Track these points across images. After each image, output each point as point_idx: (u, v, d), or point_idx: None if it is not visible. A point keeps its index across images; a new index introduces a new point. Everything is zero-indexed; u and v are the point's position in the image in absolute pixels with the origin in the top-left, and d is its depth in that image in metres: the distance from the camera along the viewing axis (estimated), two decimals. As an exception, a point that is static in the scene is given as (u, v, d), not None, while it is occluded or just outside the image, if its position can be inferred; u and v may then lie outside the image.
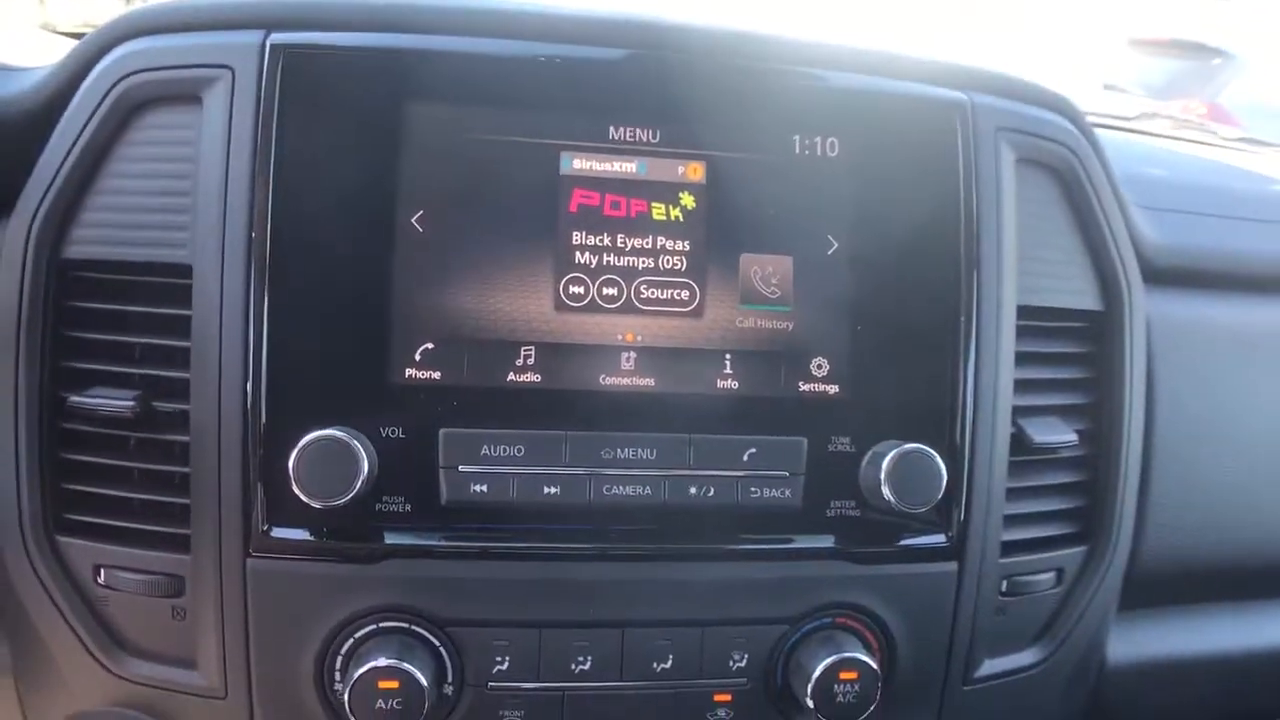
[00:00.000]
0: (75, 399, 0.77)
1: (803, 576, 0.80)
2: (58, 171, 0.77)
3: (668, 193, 0.79)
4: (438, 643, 0.76)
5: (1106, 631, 0.96)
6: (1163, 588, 1.02)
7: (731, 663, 0.79)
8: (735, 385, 0.79)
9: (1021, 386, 0.87)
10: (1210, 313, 1.05)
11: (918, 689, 0.84)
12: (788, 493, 0.79)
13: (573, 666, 0.77)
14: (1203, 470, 1.01)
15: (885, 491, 0.77)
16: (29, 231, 0.77)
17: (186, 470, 0.76)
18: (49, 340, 0.78)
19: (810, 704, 0.77)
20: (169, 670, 0.78)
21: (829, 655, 0.77)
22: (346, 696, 0.72)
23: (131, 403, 0.75)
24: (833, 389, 0.81)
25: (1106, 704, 0.99)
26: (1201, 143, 1.59)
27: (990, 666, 0.88)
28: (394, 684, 0.72)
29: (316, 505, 0.71)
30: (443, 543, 0.76)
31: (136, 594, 0.77)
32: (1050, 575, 0.90)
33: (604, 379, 0.78)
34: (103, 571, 0.78)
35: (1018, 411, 0.87)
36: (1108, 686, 0.99)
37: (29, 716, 0.83)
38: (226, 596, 0.75)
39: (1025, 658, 0.90)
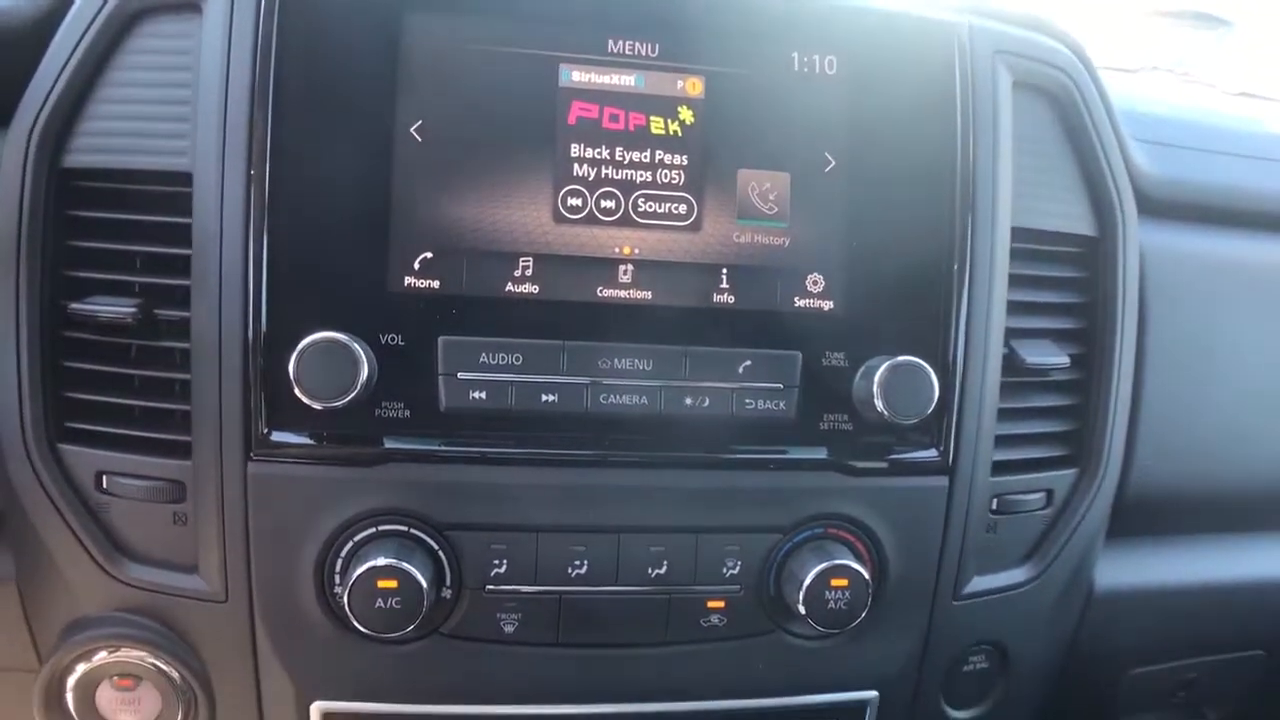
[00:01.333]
0: (76, 306, 0.77)
1: (795, 487, 0.81)
2: (56, 81, 0.77)
3: (666, 107, 0.80)
4: (436, 546, 0.77)
5: (1095, 556, 0.97)
6: (1151, 517, 1.03)
7: (725, 570, 0.80)
8: (731, 300, 0.80)
9: (1015, 309, 0.88)
10: (1204, 246, 1.06)
11: (907, 601, 0.86)
12: (781, 405, 0.80)
13: (569, 570, 0.78)
14: (1192, 400, 1.02)
15: (878, 403, 0.78)
16: (28, 141, 0.77)
17: (187, 377, 0.77)
18: (50, 250, 0.78)
19: (802, 610, 0.78)
20: (170, 575, 0.79)
21: (820, 563, 0.78)
22: (346, 597, 0.74)
23: (133, 309, 0.76)
24: (827, 305, 0.81)
25: (1093, 628, 1.01)
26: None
27: (979, 583, 0.89)
28: (393, 583, 0.73)
29: (317, 406, 0.72)
30: (442, 447, 0.76)
31: (137, 500, 0.78)
32: (1040, 496, 0.92)
33: (601, 291, 0.78)
34: (104, 478, 0.79)
35: (1010, 333, 0.88)
36: (1094, 612, 1.00)
37: (32, 623, 0.85)
38: (227, 501, 0.76)
39: (1014, 576, 0.91)
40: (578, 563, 0.78)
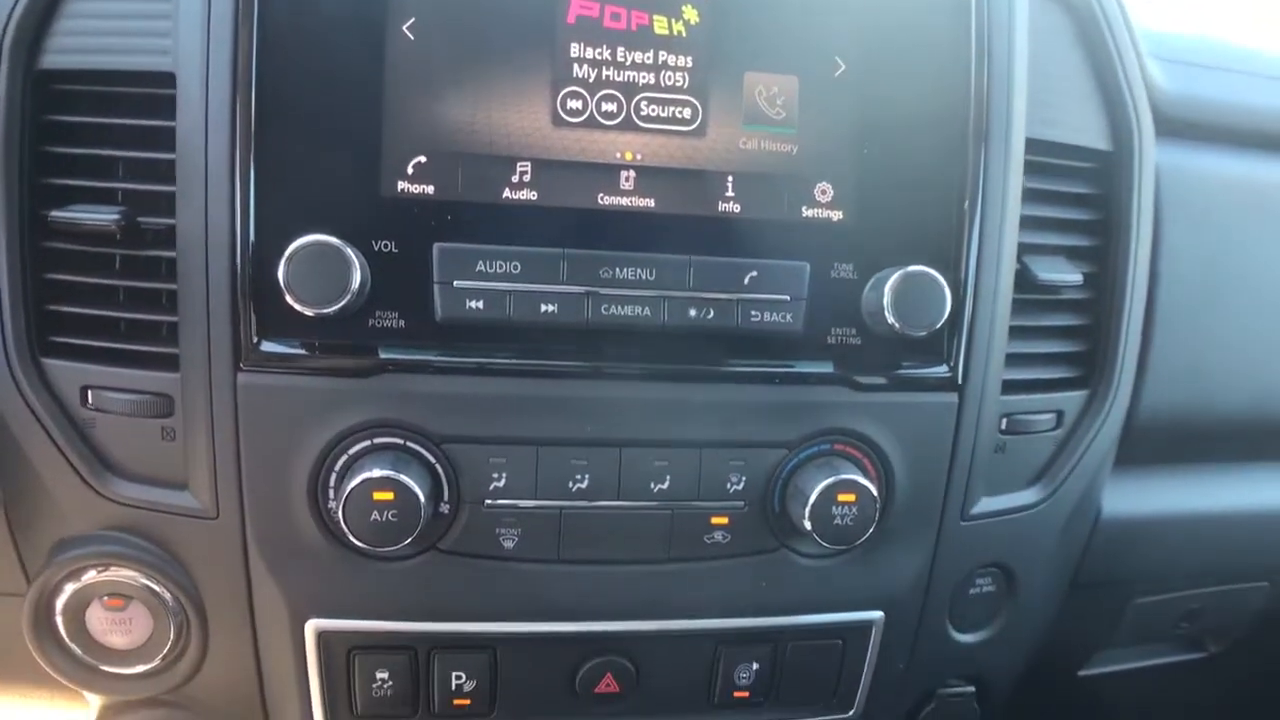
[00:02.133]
0: (58, 214, 0.74)
1: (802, 401, 0.79)
2: None
3: (669, 5, 0.76)
4: (433, 459, 0.75)
5: (1103, 481, 0.96)
6: (1159, 444, 1.01)
7: (729, 485, 0.78)
8: (737, 208, 0.77)
9: (1027, 224, 0.85)
10: (1222, 167, 1.03)
11: (914, 520, 0.84)
12: (788, 317, 0.77)
13: (570, 485, 0.76)
14: (1205, 325, 1.00)
15: (888, 315, 0.76)
16: (1, 40, 0.74)
17: (173, 287, 0.74)
18: (28, 156, 0.75)
19: (808, 526, 0.77)
20: (159, 492, 0.77)
21: (827, 478, 0.76)
22: (340, 510, 0.72)
23: (116, 216, 0.73)
24: (836, 215, 0.79)
25: (1099, 556, 0.99)
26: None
27: (987, 504, 0.87)
28: (389, 495, 0.71)
29: (308, 314, 0.69)
30: (438, 358, 0.74)
31: (124, 415, 0.76)
32: (1050, 417, 0.90)
33: (602, 198, 0.76)
34: (90, 393, 0.76)
35: (1023, 249, 0.85)
36: (1100, 539, 0.99)
37: (19, 544, 0.83)
38: (217, 414, 0.74)
39: (1022, 498, 0.89)
40: (579, 477, 0.76)
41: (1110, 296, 0.92)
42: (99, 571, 0.79)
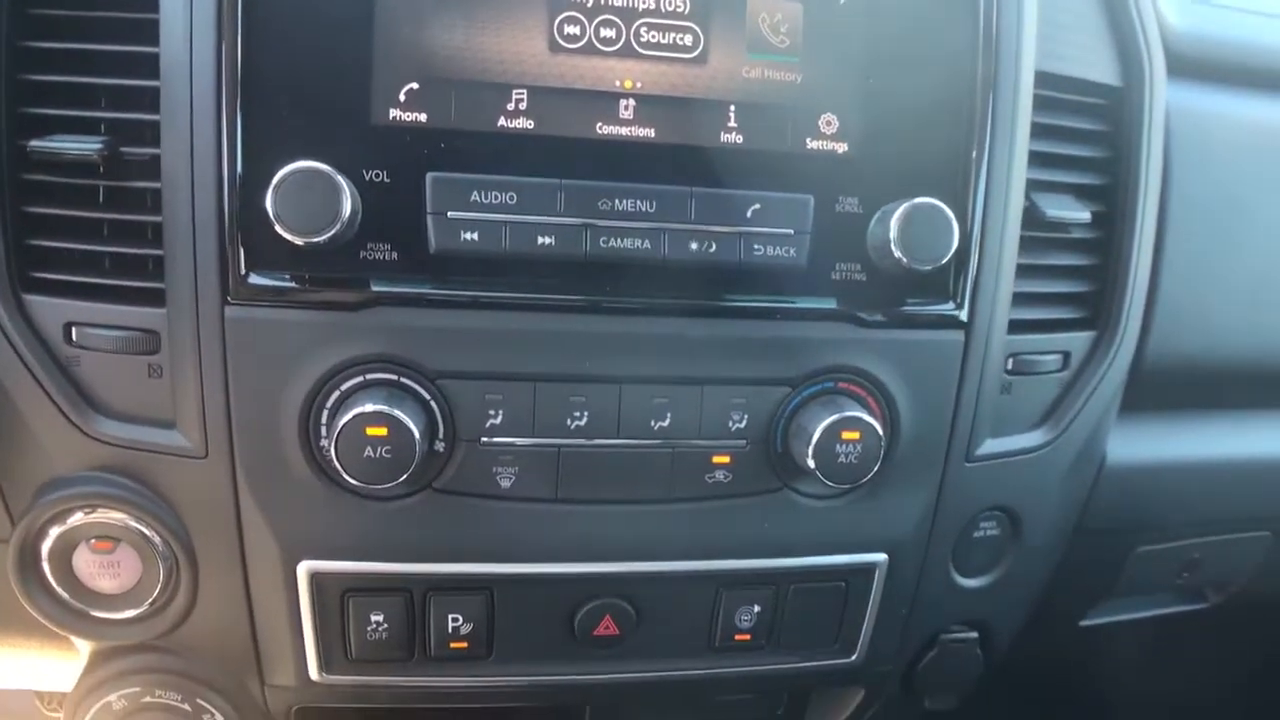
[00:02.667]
0: (38, 144, 0.72)
1: (805, 338, 0.77)
2: None
3: (670, -73, 0.73)
4: (428, 396, 0.73)
5: (1109, 425, 0.95)
6: (1166, 390, 1.00)
7: (731, 423, 0.77)
8: (740, 139, 0.75)
9: (1036, 160, 0.83)
10: (1233, 108, 1.01)
11: (919, 461, 0.83)
12: (792, 251, 0.75)
13: (568, 422, 0.74)
14: (1214, 269, 0.98)
15: (894, 248, 0.74)
16: None
17: (158, 219, 0.71)
18: (6, 84, 0.72)
19: (811, 464, 0.75)
20: (146, 431, 0.75)
21: (831, 415, 0.75)
22: (333, 447, 0.70)
23: (99, 146, 0.70)
24: (841, 147, 0.76)
25: (1102, 503, 0.98)
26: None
27: (993, 445, 0.86)
28: (382, 431, 0.69)
29: (298, 242, 0.67)
30: (432, 291, 0.72)
31: (109, 352, 0.74)
32: (1056, 357, 0.88)
33: (601, 127, 0.73)
34: (74, 330, 0.74)
35: (1031, 186, 0.83)
36: (1104, 486, 0.98)
37: (4, 487, 0.80)
38: (205, 350, 0.72)
39: (1028, 440, 0.88)
40: (577, 414, 0.74)
41: (1118, 236, 0.90)
42: (85, 513, 0.77)
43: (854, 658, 0.88)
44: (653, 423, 0.76)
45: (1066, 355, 0.89)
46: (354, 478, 0.70)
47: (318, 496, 0.74)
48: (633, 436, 0.76)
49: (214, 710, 0.85)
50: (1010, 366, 0.86)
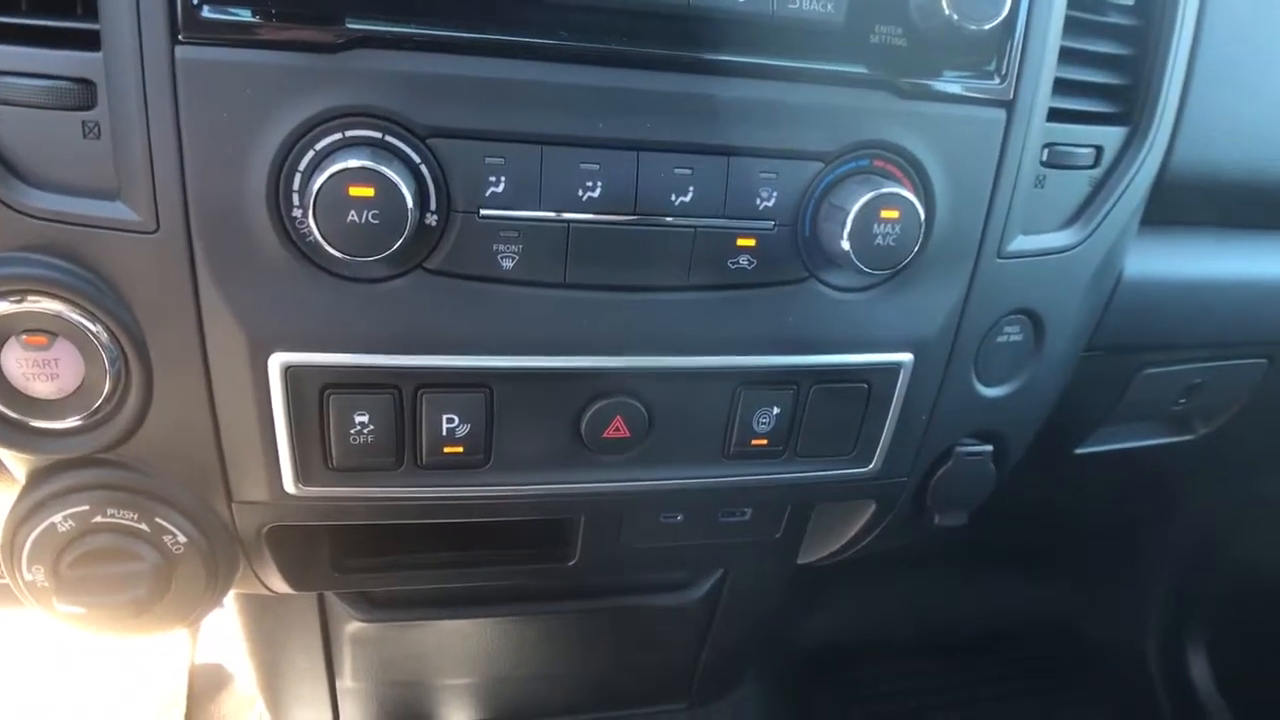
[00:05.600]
0: None
1: (841, 105, 0.69)
2: None
3: None
4: (418, 158, 0.63)
5: (1132, 232, 0.90)
6: (1187, 203, 0.95)
7: (758, 201, 0.69)
8: None
9: None
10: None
11: (952, 252, 0.76)
12: (829, 7, 0.66)
13: (579, 193, 0.66)
14: (1247, 79, 0.93)
15: (944, 4, 0.65)
16: None
17: None
18: None
19: (845, 246, 0.68)
20: (85, 203, 0.64)
21: (869, 191, 0.67)
22: (310, 211, 0.60)
23: None
24: None
25: (1117, 317, 0.94)
26: None
27: (1024, 243, 0.80)
28: (368, 190, 0.59)
29: None
30: (422, 30, 0.61)
31: (36, 107, 0.62)
32: (1090, 151, 0.82)
33: None
34: (-11, 78, 0.62)
35: None
36: (1120, 300, 0.94)
37: None
38: (151, 101, 0.60)
39: (1058, 239, 0.82)
40: (590, 184, 0.66)
41: (1157, 27, 0.84)
42: (13, 302, 0.66)
43: (871, 466, 0.84)
44: (673, 197, 0.67)
45: (1099, 150, 0.83)
46: (336, 249, 0.61)
47: (291, 277, 0.65)
48: (651, 212, 0.67)
49: (175, 530, 0.77)
50: (1045, 158, 0.79)
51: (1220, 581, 1.91)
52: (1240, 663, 1.88)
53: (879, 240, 0.68)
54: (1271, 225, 1.03)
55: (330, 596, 1.20)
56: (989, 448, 0.89)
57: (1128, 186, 0.85)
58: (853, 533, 0.98)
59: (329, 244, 0.61)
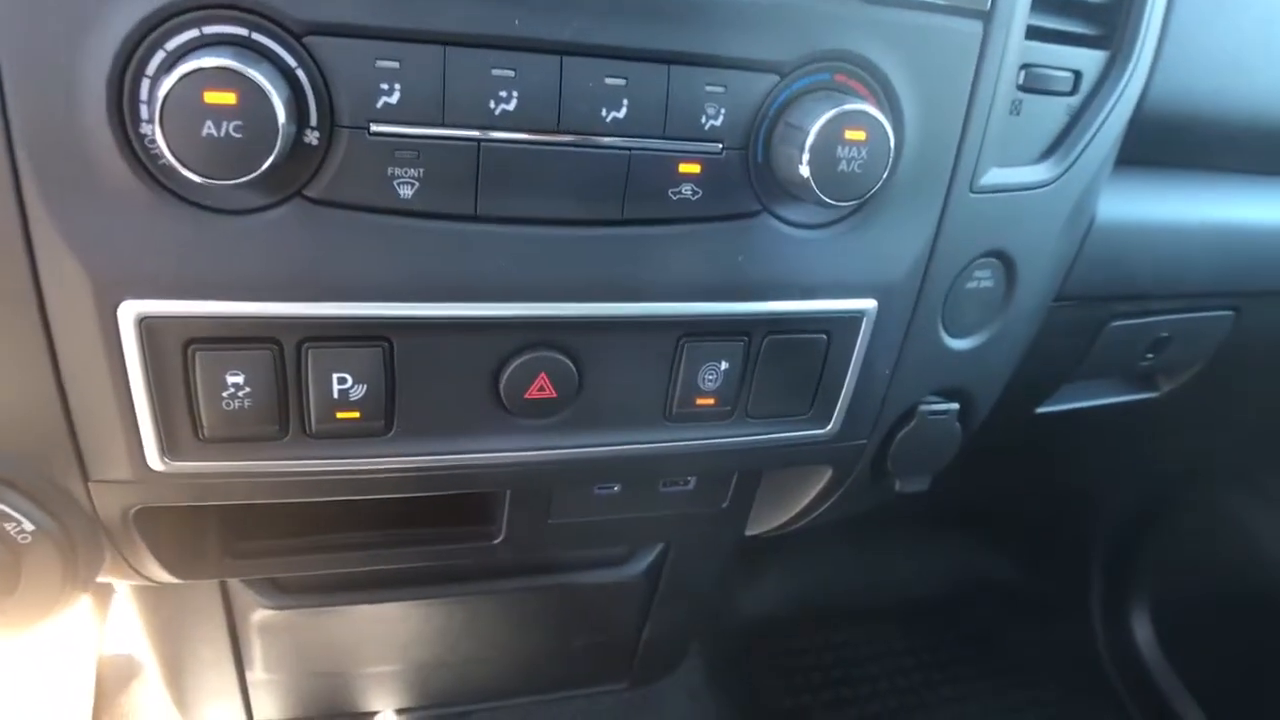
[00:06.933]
0: None
1: (800, 7, 0.59)
2: None
3: None
4: (293, 62, 0.52)
5: (1107, 173, 0.82)
6: (1161, 142, 0.88)
7: (704, 120, 0.59)
8: None
9: None
10: None
11: (922, 183, 0.68)
12: None
13: (491, 105, 0.55)
14: (1229, 13, 0.86)
15: None
16: None
17: None
18: None
19: (805, 172, 0.58)
20: None
21: (832, 108, 0.58)
22: (157, 122, 0.48)
23: None
24: None
25: (1088, 264, 0.87)
26: None
27: (997, 176, 0.72)
28: (229, 97, 0.48)
29: None
30: None
31: None
32: (1068, 76, 0.74)
33: None
34: None
35: None
36: (1094, 243, 0.86)
37: None
38: None
39: (1034, 173, 0.74)
40: (504, 95, 0.55)
41: None
42: None
43: (829, 428, 0.75)
44: (604, 113, 0.57)
45: (1078, 75, 0.75)
46: (192, 170, 0.49)
47: (142, 207, 0.53)
48: (578, 130, 0.57)
49: (20, 518, 0.65)
50: (1022, 80, 0.71)
51: (1163, 545, 1.90)
52: (1183, 625, 1.88)
53: (842, 166, 0.59)
54: (1244, 169, 0.97)
55: (233, 582, 1.08)
56: (955, 406, 0.82)
57: (1107, 117, 0.77)
58: (806, 501, 0.89)
59: (183, 164, 0.50)
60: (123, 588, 1.14)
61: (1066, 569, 2.07)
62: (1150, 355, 1.04)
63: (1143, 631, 1.95)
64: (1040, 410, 1.05)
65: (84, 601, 1.70)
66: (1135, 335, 1.00)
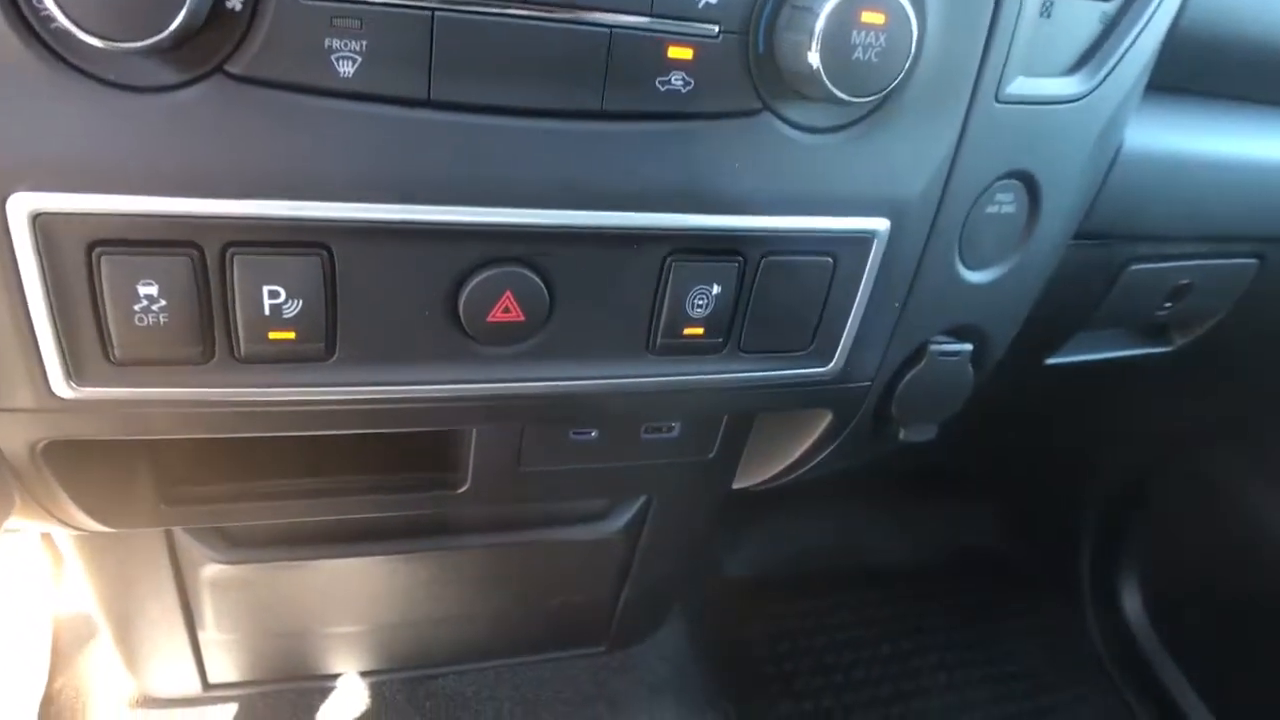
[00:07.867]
0: None
1: None
2: None
3: None
4: None
5: (1138, 95, 0.74)
6: (1193, 68, 0.81)
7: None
8: None
9: None
10: None
11: (944, 88, 0.60)
12: None
13: None
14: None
15: None
16: None
17: None
18: None
19: (814, 62, 0.51)
20: None
21: None
22: None
23: None
24: None
25: (1112, 198, 0.80)
26: None
27: (1025, 86, 0.64)
28: None
29: None
30: None
31: None
32: (1104, -20, 0.66)
33: None
34: None
35: None
36: (1118, 175, 0.79)
37: None
38: None
39: (1063, 86, 0.66)
40: None
41: None
42: None
43: (831, 366, 0.68)
44: None
45: (1112, -22, 0.67)
46: (87, 31, 0.41)
47: (34, 80, 0.45)
48: (549, 0, 0.49)
49: (-89, 454, 0.57)
50: (1053, -22, 0.63)
51: (1155, 514, 1.85)
52: (1172, 596, 1.84)
53: (858, 54, 0.51)
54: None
55: (180, 533, 1.00)
56: (968, 347, 0.74)
57: (1144, 29, 0.69)
58: (801, 450, 0.82)
59: (77, 25, 0.41)
60: (65, 540, 1.06)
61: (1056, 537, 2.03)
62: (1168, 305, 0.97)
63: (1131, 601, 1.91)
64: (1050, 361, 0.98)
65: (39, 559, 1.62)
66: (1155, 281, 0.93)
